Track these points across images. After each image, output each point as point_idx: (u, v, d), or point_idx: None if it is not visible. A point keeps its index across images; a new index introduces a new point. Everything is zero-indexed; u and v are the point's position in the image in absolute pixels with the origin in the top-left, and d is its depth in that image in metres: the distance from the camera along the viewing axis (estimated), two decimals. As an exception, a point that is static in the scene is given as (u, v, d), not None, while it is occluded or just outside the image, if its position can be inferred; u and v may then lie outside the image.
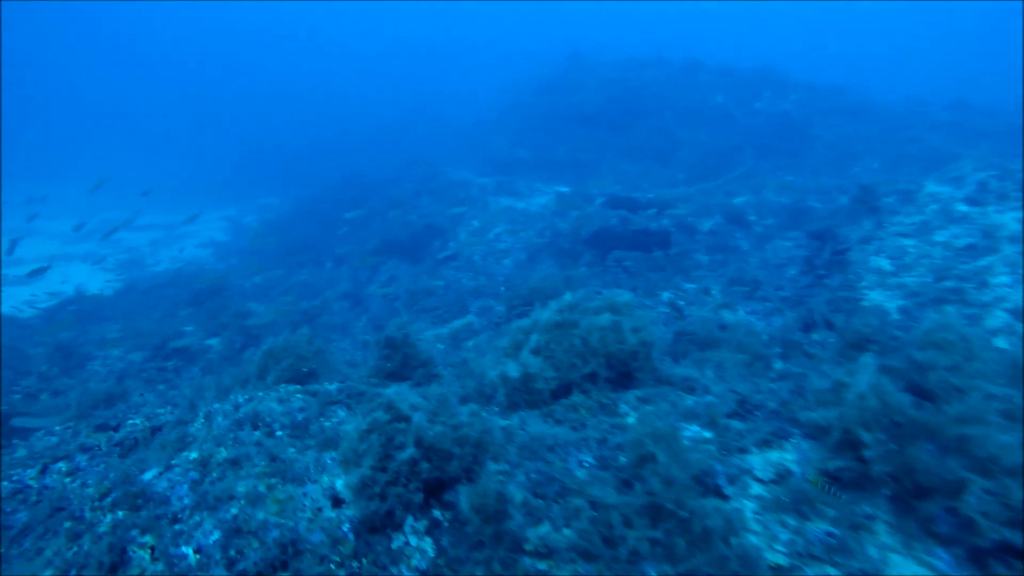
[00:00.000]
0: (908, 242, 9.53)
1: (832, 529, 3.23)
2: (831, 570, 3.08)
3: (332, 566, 3.10)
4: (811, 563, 3.11)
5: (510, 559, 3.05)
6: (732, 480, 3.56)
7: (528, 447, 3.80)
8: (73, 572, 3.22)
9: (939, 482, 3.16)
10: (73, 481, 4.33)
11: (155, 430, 4.94)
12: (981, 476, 3.10)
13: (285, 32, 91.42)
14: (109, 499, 3.62)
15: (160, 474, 3.83)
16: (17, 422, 5.74)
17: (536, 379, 4.41)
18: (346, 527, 3.27)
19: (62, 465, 4.67)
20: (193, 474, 3.76)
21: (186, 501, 3.53)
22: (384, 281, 15.75)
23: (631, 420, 4.23)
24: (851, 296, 8.97)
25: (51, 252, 24.76)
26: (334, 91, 61.04)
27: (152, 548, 3.27)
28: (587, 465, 3.67)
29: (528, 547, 3.08)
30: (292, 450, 4.18)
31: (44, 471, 4.62)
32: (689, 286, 11.18)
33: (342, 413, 5.00)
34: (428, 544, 3.18)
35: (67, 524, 3.60)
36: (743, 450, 3.77)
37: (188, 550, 3.20)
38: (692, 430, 4.01)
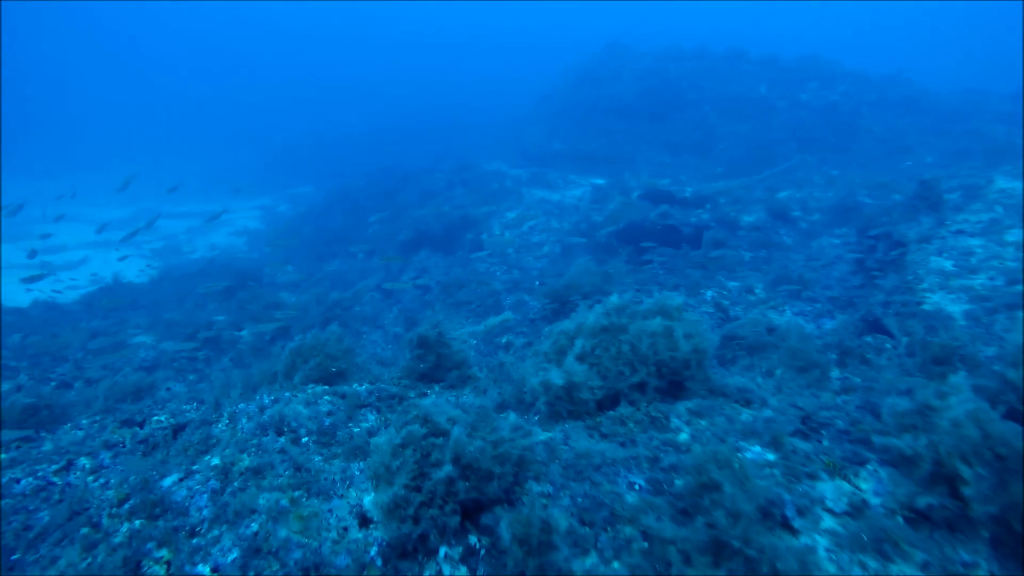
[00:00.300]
0: (974, 241, 8.89)
1: None
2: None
3: (359, 594, 2.84)
4: (897, 613, 2.73)
5: (555, 595, 2.74)
6: (802, 512, 3.17)
7: (573, 466, 3.47)
8: (85, 588, 3.02)
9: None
10: (95, 480, 4.15)
11: (179, 429, 4.75)
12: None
13: (322, 26, 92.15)
14: (127, 505, 3.41)
15: (180, 481, 3.61)
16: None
17: (581, 388, 4.07)
18: (374, 551, 2.99)
19: (86, 462, 4.51)
20: (214, 483, 3.53)
21: (205, 513, 3.29)
22: (416, 273, 15.56)
23: (683, 436, 3.86)
24: (910, 299, 8.40)
25: (89, 239, 25.23)
26: (370, 84, 61.27)
27: (168, 564, 3.05)
28: (638, 488, 3.32)
29: (575, 582, 2.77)
30: (318, 459, 3.93)
31: (68, 467, 4.46)
32: (732, 284, 10.69)
33: (372, 417, 4.74)
34: (463, 574, 2.89)
35: (84, 531, 3.40)
36: (812, 476, 3.38)
37: (205, 569, 2.96)
38: (754, 451, 3.63)
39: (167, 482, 3.62)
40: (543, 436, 3.93)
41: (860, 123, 20.92)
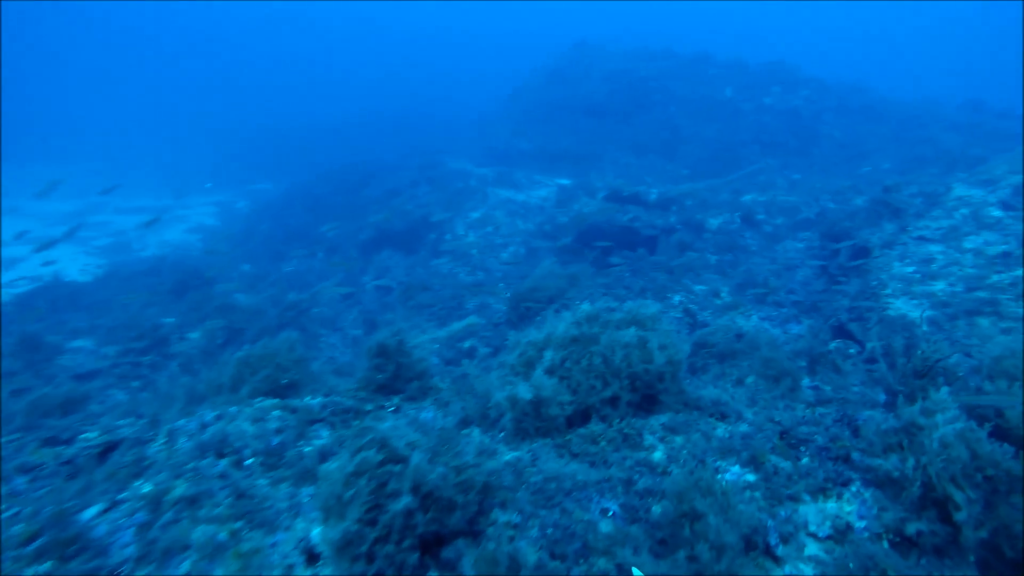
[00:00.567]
0: (935, 248, 8.97)
1: (910, 605, 2.66)
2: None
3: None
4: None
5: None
6: (785, 539, 2.98)
7: (542, 491, 3.21)
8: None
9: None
10: (5, 511, 3.71)
11: (111, 448, 4.32)
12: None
13: (286, 20, 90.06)
14: (36, 545, 3.01)
15: (103, 512, 3.22)
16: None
17: (550, 403, 3.81)
18: (322, 593, 2.68)
19: (-2, 487, 4.05)
20: (142, 515, 3.15)
21: (129, 551, 2.92)
22: (378, 273, 15.11)
23: (658, 455, 3.64)
24: (874, 305, 8.41)
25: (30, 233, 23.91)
26: (335, 79, 60.02)
27: (84, 613, 2.68)
28: (613, 515, 3.08)
29: (545, 626, 2.51)
30: (264, 483, 3.58)
31: (-21, 494, 4.00)
32: (699, 287, 10.61)
33: (325, 433, 4.40)
34: (422, 619, 2.60)
35: (-12, 572, 2.99)
36: (795, 499, 3.19)
37: (126, 619, 2.61)
38: (733, 471, 3.42)
39: (88, 514, 3.22)
40: (509, 456, 3.66)
41: (821, 128, 21.27)
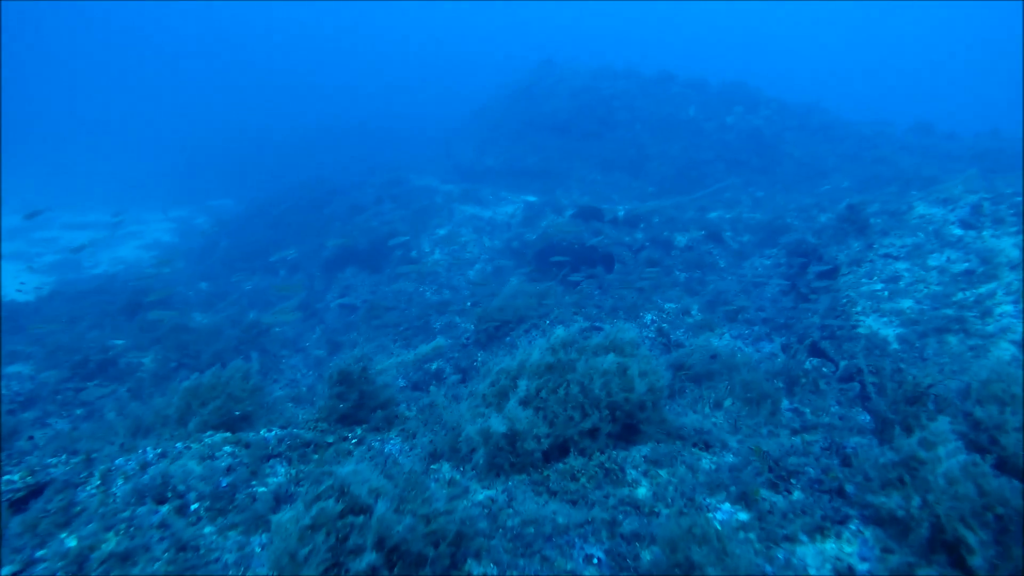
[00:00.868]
0: (901, 265, 9.05)
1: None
2: None
3: None
4: None
5: None
6: (784, 585, 2.76)
7: (520, 536, 2.93)
8: None
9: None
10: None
11: (37, 492, 3.87)
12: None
13: (251, 33, 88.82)
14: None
15: None
16: None
17: (526, 437, 3.54)
18: (272, 668, 2.35)
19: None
20: (64, 577, 2.76)
21: (47, 623, 2.54)
22: (341, 291, 14.67)
23: (643, 492, 3.41)
24: (844, 324, 8.41)
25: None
26: (296, 94, 59.16)
27: None
28: (598, 563, 2.82)
29: None
30: (210, 531, 3.21)
31: None
32: (669, 305, 10.50)
33: (282, 470, 4.05)
34: None
35: None
36: (791, 539, 2.98)
37: None
38: (724, 509, 3.20)
39: (0, 578, 2.82)
40: (482, 496, 3.37)
41: (783, 147, 21.70)
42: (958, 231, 9.15)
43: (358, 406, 4.82)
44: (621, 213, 15.16)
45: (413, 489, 2.69)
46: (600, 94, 23.78)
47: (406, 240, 14.12)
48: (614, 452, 3.75)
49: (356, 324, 12.12)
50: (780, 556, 2.89)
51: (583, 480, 3.44)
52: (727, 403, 5.65)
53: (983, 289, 7.96)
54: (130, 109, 58.13)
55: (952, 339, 7.39)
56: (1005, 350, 7.05)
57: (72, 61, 74.55)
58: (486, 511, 3.13)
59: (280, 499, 3.56)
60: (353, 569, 2.40)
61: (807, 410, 5.65)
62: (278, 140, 38.31)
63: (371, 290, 14.03)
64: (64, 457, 4.59)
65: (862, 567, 2.84)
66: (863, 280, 9.06)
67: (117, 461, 3.98)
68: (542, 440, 3.60)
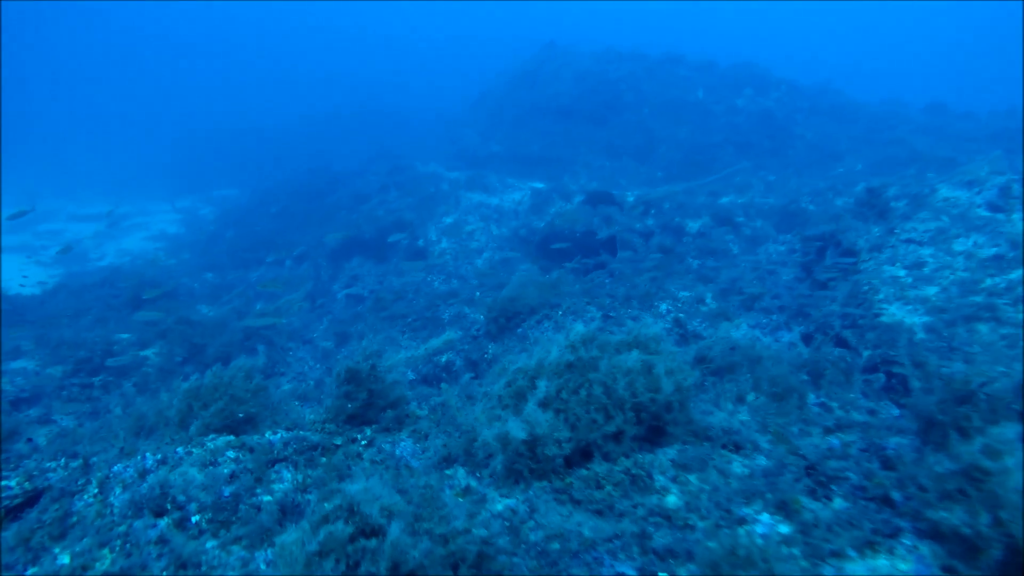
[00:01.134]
0: (925, 251, 8.74)
1: None
2: None
3: None
4: None
5: None
6: (834, 606, 2.54)
7: (545, 552, 2.72)
8: None
9: None
10: None
11: (33, 500, 3.69)
12: None
13: (253, 21, 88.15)
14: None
15: (9, 598, 2.64)
16: None
17: (547, 442, 3.32)
18: None
19: None
20: (56, 601, 2.57)
21: (36, 654, 2.35)
22: (348, 281, 14.47)
23: (672, 500, 3.18)
24: (866, 312, 8.13)
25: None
26: (300, 82, 58.65)
27: None
28: (630, 583, 2.60)
29: None
30: (212, 546, 3.02)
31: None
32: (683, 294, 10.23)
33: (288, 476, 3.85)
34: None
35: None
36: (838, 555, 2.75)
37: None
38: (763, 520, 2.98)
39: (-12, 601, 2.63)
40: (501, 505, 3.16)
41: (794, 129, 21.25)
42: (985, 213, 8.83)
43: (367, 405, 4.61)
44: (631, 199, 14.86)
45: (429, 506, 2.47)
46: (605, 77, 23.33)
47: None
48: (640, 456, 3.53)
49: (363, 315, 11.92)
50: (825, 572, 2.67)
51: (608, 488, 3.23)
52: (750, 398, 5.42)
53: (1014, 275, 7.66)
54: (133, 100, 57.89)
55: (983, 327, 7.10)
56: (1040, 339, 6.77)
57: (74, 56, 74.28)
58: (507, 524, 2.92)
59: (286, 510, 3.37)
60: (366, 597, 2.19)
61: (835, 404, 5.40)
62: (282, 128, 37.99)
63: (378, 280, 13.83)
64: (63, 461, 4.41)
65: (918, 586, 2.62)
66: (885, 266, 8.77)
67: (115, 468, 3.79)
68: (563, 445, 3.38)
